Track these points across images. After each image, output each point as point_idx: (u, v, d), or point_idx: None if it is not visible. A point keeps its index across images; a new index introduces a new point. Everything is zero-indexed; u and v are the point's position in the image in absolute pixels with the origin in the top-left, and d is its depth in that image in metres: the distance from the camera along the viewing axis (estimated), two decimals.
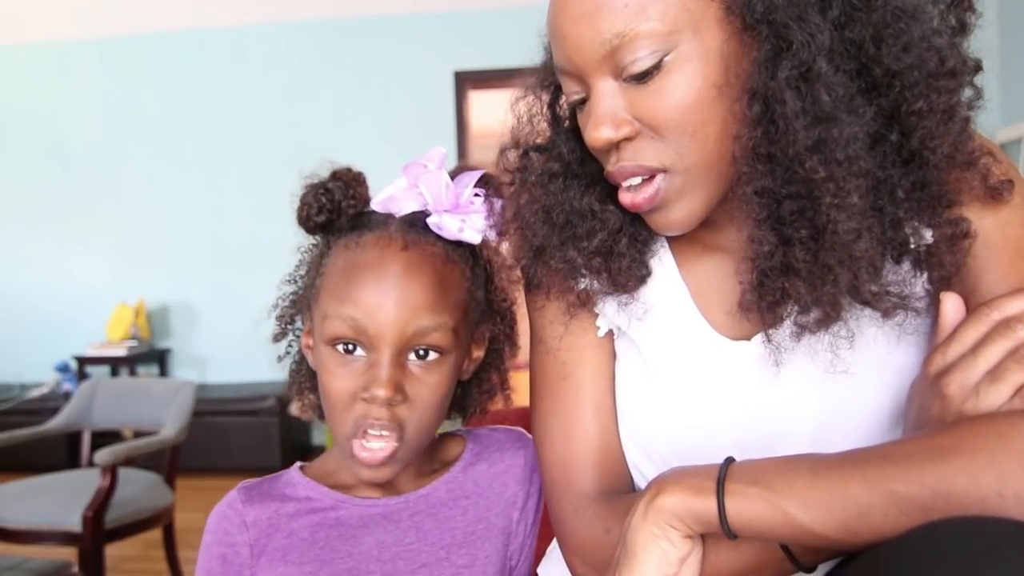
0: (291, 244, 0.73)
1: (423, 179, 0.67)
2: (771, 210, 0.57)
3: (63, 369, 4.03)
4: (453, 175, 0.69)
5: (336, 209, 0.66)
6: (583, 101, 0.60)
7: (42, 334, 4.24)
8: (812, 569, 0.52)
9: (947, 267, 0.57)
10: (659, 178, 0.58)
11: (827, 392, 0.61)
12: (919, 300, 0.58)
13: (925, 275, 0.59)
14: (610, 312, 0.69)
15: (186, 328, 4.27)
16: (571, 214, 0.66)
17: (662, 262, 0.69)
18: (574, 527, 0.67)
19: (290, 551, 0.67)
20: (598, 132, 0.57)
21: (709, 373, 0.65)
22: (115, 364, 3.97)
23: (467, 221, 0.67)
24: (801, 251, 0.56)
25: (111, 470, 2.01)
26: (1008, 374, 0.47)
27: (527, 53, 0.70)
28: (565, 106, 0.67)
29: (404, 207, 0.67)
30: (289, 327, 0.75)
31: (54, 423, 2.42)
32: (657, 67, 0.55)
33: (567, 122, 0.68)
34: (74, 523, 2.00)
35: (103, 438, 2.63)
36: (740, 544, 0.53)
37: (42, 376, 4.16)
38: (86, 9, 3.84)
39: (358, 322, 0.62)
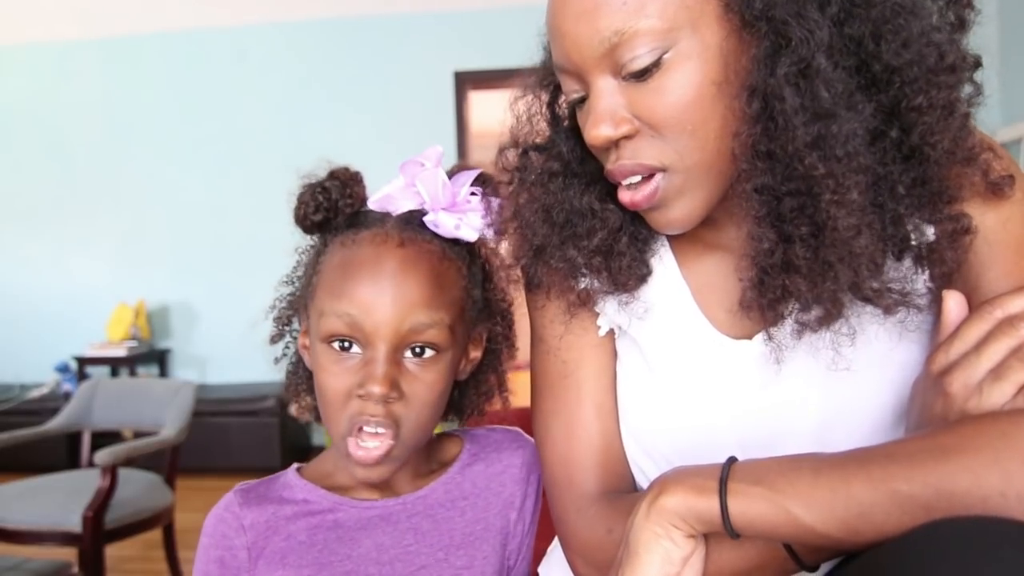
0: (291, 244, 0.73)
1: (420, 177, 0.67)
2: (771, 207, 0.57)
3: (63, 369, 4.03)
4: (450, 174, 0.69)
5: (333, 208, 0.66)
6: (582, 100, 0.60)
7: (42, 334, 4.25)
8: (815, 568, 0.52)
9: (948, 263, 0.57)
10: (658, 177, 0.58)
11: (829, 390, 0.61)
12: (920, 297, 0.58)
13: (926, 272, 0.59)
14: (611, 311, 0.68)
15: (186, 328, 4.27)
16: (571, 213, 0.66)
17: (663, 261, 0.69)
18: (576, 527, 0.66)
19: (288, 554, 0.66)
20: (597, 130, 0.57)
21: (710, 372, 0.65)
22: (115, 364, 3.97)
23: (464, 219, 0.67)
24: (801, 248, 0.55)
25: (111, 470, 2.01)
26: (1011, 372, 0.47)
27: (527, 53, 0.70)
28: (564, 105, 0.67)
29: (401, 206, 0.67)
30: (286, 328, 0.75)
31: (54, 423, 2.42)
32: (656, 65, 0.55)
33: (566, 121, 0.68)
34: (74, 523, 2.00)
35: (103, 438, 2.63)
36: (743, 543, 0.53)
37: (42, 376, 4.16)
38: (86, 9, 3.84)
39: (354, 318, 0.62)
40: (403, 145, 0.67)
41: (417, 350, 0.64)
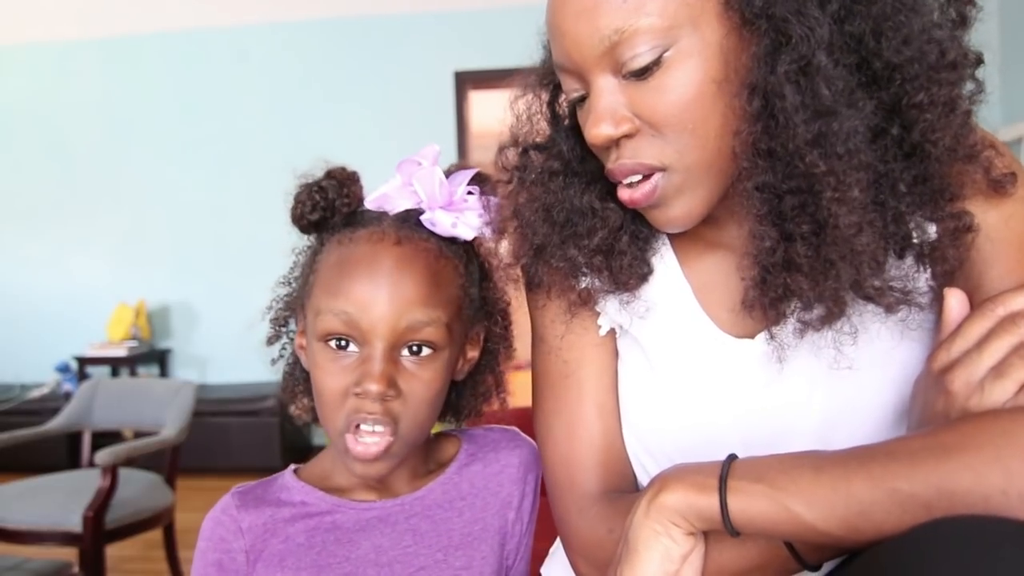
0: (291, 244, 0.73)
1: (417, 176, 0.67)
2: (772, 205, 0.57)
3: (63, 369, 4.03)
4: (447, 173, 0.69)
5: (330, 207, 0.65)
6: (583, 99, 0.60)
7: (42, 334, 4.25)
8: (816, 567, 0.52)
9: (950, 261, 0.57)
10: (657, 176, 0.58)
11: (831, 389, 0.61)
12: (922, 295, 0.58)
13: (928, 270, 0.59)
14: (612, 310, 0.68)
15: (186, 328, 4.27)
16: (571, 212, 0.66)
17: (664, 260, 0.69)
18: (578, 527, 0.66)
19: (287, 556, 0.66)
20: (598, 129, 0.57)
21: (713, 371, 0.65)
22: (115, 364, 3.97)
23: (461, 218, 0.67)
24: (803, 246, 0.55)
25: (111, 470, 2.01)
26: (1013, 370, 0.47)
27: (527, 53, 0.70)
28: (564, 104, 0.67)
29: (398, 205, 0.67)
30: (283, 330, 0.74)
31: (54, 423, 2.42)
32: (657, 63, 0.54)
33: (566, 120, 0.68)
34: (74, 523, 1.99)
35: (103, 438, 2.62)
36: (743, 542, 0.53)
37: (42, 376, 4.16)
38: (86, 9, 3.84)
39: (351, 316, 0.62)
40: (403, 145, 0.67)
41: (414, 348, 0.64)
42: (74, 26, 4.06)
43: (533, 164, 0.69)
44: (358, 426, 0.63)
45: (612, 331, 0.71)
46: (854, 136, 0.52)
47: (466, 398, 0.77)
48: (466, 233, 0.68)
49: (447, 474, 0.73)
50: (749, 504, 0.48)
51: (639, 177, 0.59)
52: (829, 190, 0.53)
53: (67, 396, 3.63)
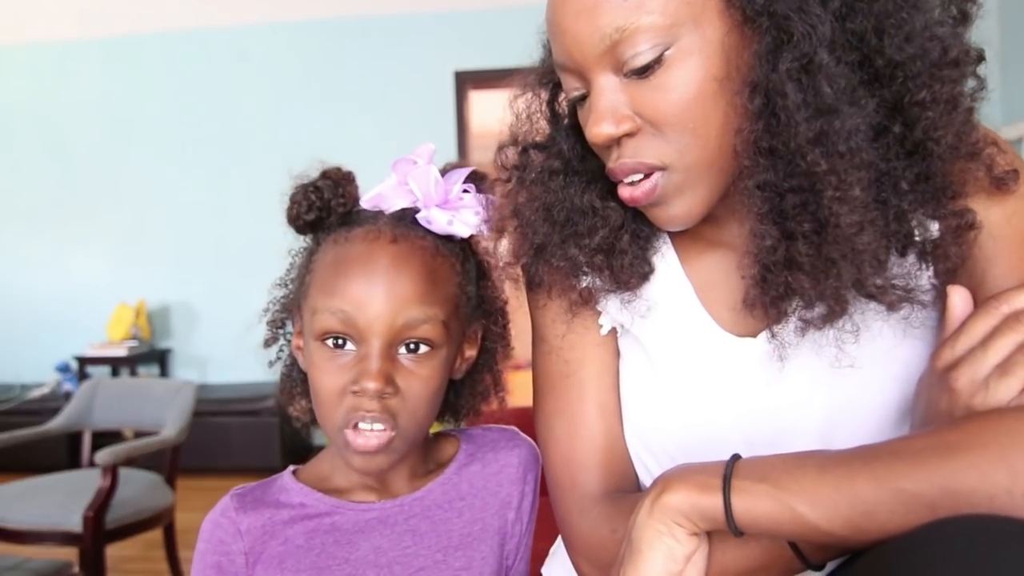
0: (291, 245, 0.73)
1: (412, 174, 0.66)
2: (773, 204, 0.56)
3: (64, 369, 4.03)
4: (443, 172, 0.69)
5: (326, 207, 0.65)
6: (583, 97, 0.60)
7: (42, 334, 4.25)
8: (820, 567, 0.52)
9: (953, 259, 0.57)
10: (657, 174, 0.58)
11: (834, 387, 0.60)
12: (925, 293, 0.58)
13: (930, 268, 0.59)
14: (613, 310, 0.68)
15: (186, 328, 4.27)
16: (572, 211, 0.66)
17: (665, 258, 0.68)
18: (580, 527, 0.66)
19: (286, 558, 0.66)
20: (599, 128, 0.57)
21: (714, 370, 0.65)
22: (116, 364, 3.97)
23: (456, 215, 0.67)
24: (804, 245, 0.55)
25: (112, 470, 2.01)
26: (1018, 368, 0.47)
27: (527, 53, 0.70)
28: (564, 103, 0.67)
29: (394, 204, 0.67)
30: (280, 331, 0.74)
31: (55, 423, 2.42)
32: (658, 61, 0.54)
33: (566, 119, 0.68)
34: (75, 523, 1.99)
35: (104, 438, 2.62)
36: (747, 541, 0.53)
37: (43, 376, 4.16)
38: (86, 9, 3.84)
39: (347, 314, 0.62)
40: (403, 145, 0.67)
41: (411, 346, 0.64)
42: (74, 26, 4.05)
43: (533, 163, 0.69)
44: (356, 425, 0.63)
45: (613, 330, 0.71)
46: (856, 134, 0.52)
47: (464, 397, 0.77)
48: (462, 231, 0.67)
49: (446, 474, 0.73)
50: (753, 504, 0.47)
51: (640, 176, 0.59)
52: (831, 188, 0.53)
53: (67, 396, 3.63)
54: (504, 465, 0.75)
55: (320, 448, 0.82)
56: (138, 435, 2.52)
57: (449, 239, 0.68)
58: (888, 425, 0.59)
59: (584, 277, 0.67)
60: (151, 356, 4.11)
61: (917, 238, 0.57)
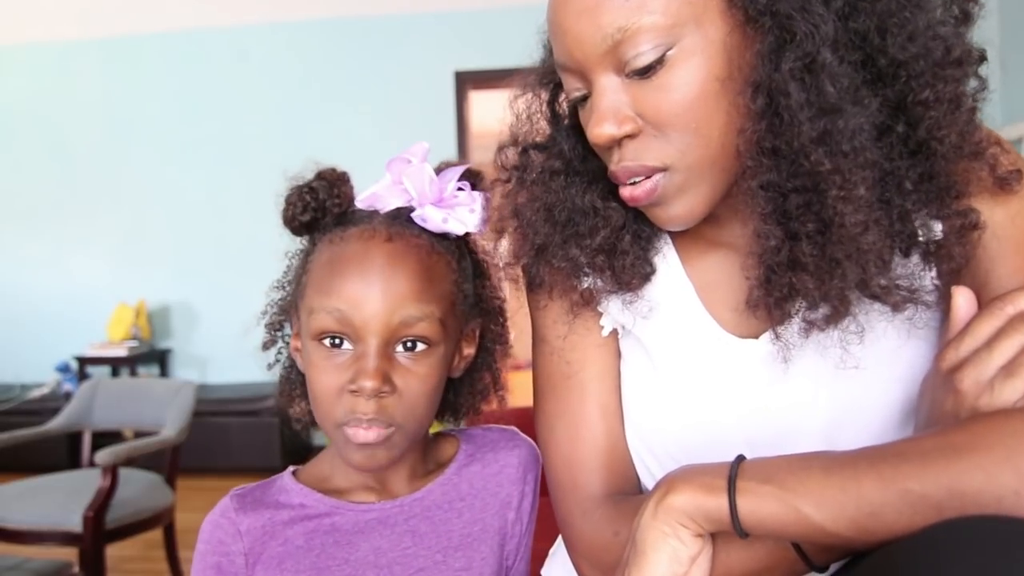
0: (290, 246, 0.73)
1: (407, 173, 0.66)
2: (777, 204, 0.56)
3: (64, 369, 4.02)
4: (437, 170, 0.69)
5: (321, 208, 0.65)
6: (584, 98, 0.60)
7: (42, 334, 4.24)
8: (824, 569, 0.52)
9: (956, 259, 0.56)
10: (657, 175, 0.58)
11: (838, 388, 0.60)
12: (929, 293, 0.58)
13: (934, 268, 0.58)
14: (614, 311, 0.68)
15: (187, 328, 4.27)
16: (573, 212, 0.65)
17: (666, 259, 0.68)
18: (581, 529, 0.66)
19: (286, 559, 0.66)
20: (600, 129, 0.57)
21: (716, 371, 0.64)
22: (116, 364, 3.97)
23: (452, 213, 0.67)
24: (808, 245, 0.55)
25: (112, 470, 2.01)
26: (1023, 369, 0.46)
27: (527, 53, 0.69)
28: (565, 104, 0.67)
29: (388, 203, 0.67)
30: (278, 334, 0.74)
31: (55, 423, 2.42)
32: (660, 61, 0.54)
33: (567, 119, 0.67)
34: (75, 523, 1.99)
35: (104, 438, 2.62)
36: (752, 543, 0.52)
37: (43, 376, 4.16)
38: (86, 9, 3.84)
39: (344, 314, 0.62)
40: (403, 145, 0.66)
41: (408, 344, 0.63)
42: (74, 26, 4.05)
43: (533, 163, 0.69)
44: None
45: (614, 331, 0.70)
46: (859, 134, 0.52)
47: (464, 396, 0.77)
48: (457, 228, 0.67)
49: (446, 475, 0.73)
50: (758, 505, 0.47)
51: (642, 177, 0.58)
52: (834, 188, 0.52)
53: (67, 396, 3.63)
54: (504, 465, 0.74)
55: (320, 448, 0.82)
56: (138, 435, 2.52)
57: (444, 237, 0.68)
58: (892, 426, 0.59)
59: (585, 278, 0.67)
60: (151, 356, 4.10)
61: (921, 238, 0.57)
